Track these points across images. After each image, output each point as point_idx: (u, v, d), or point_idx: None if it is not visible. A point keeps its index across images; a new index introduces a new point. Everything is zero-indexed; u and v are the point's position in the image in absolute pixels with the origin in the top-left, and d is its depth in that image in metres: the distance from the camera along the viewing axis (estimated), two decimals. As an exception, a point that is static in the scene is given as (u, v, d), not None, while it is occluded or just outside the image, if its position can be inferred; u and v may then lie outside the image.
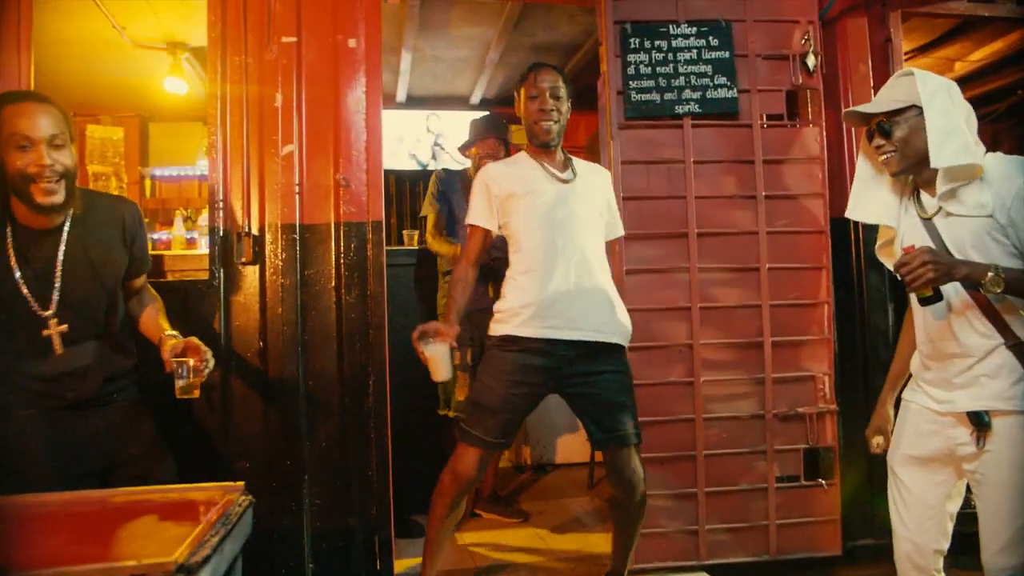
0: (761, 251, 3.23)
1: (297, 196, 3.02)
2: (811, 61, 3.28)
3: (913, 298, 2.02)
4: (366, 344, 3.02)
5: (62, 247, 2.09)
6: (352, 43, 3.09)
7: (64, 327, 2.10)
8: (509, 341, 2.50)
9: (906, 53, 4.17)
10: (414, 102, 6.32)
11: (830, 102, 3.35)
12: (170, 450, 2.42)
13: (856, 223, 3.23)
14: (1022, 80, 5.24)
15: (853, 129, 3.34)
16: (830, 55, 3.45)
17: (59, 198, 1.98)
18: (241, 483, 1.69)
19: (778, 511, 3.20)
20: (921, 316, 2.04)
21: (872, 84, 3.42)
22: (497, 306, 2.61)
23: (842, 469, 3.23)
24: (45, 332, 2.07)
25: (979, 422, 1.90)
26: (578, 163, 2.72)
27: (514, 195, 2.58)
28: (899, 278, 1.85)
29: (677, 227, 3.22)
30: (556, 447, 4.92)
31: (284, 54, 3.05)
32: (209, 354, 2.15)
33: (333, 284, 3.03)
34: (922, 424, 2.06)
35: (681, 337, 3.19)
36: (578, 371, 2.50)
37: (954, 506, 2.08)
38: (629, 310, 3.11)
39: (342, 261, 3.04)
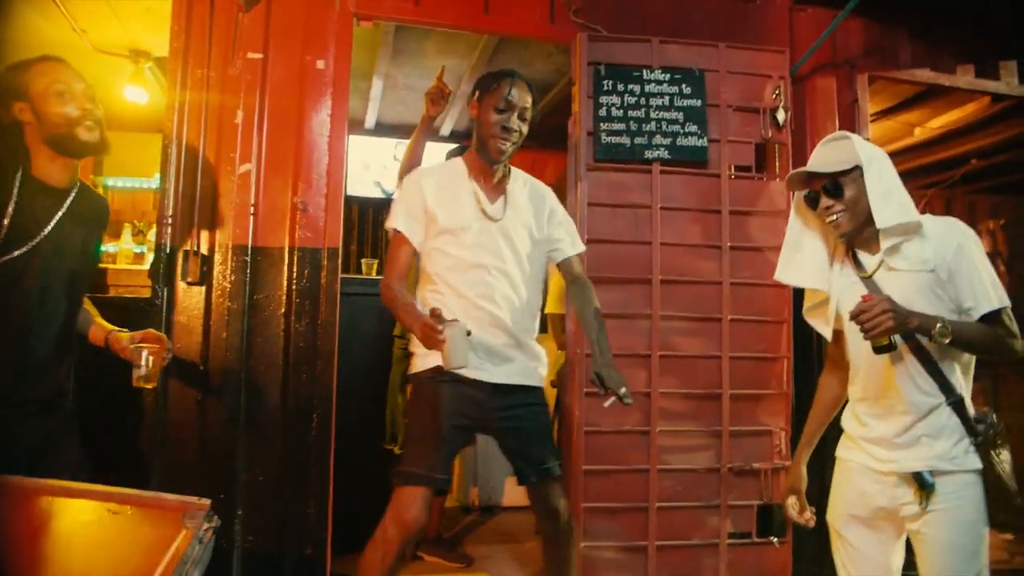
0: (724, 302, 3.21)
1: (251, 217, 2.92)
2: (781, 116, 3.30)
3: (858, 351, 2.03)
4: (313, 375, 2.91)
5: (60, 211, 2.07)
6: (320, 64, 3.02)
7: None
8: (439, 373, 2.29)
9: (870, 115, 4.25)
10: (383, 129, 6.24)
11: (797, 158, 3.36)
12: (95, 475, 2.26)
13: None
14: (976, 149, 5.38)
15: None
16: (799, 112, 3.49)
17: (97, 137, 2.08)
18: (207, 501, 1.47)
19: (729, 568, 3.13)
20: (862, 373, 2.05)
21: (838, 143, 3.45)
22: (416, 343, 2.37)
23: (794, 527, 3.17)
24: None
25: (923, 482, 1.90)
26: (515, 183, 2.50)
27: (438, 221, 2.35)
28: (859, 327, 1.83)
29: (641, 273, 3.18)
30: (505, 488, 4.80)
31: (249, 70, 2.97)
32: (169, 344, 2.17)
33: (283, 311, 2.92)
34: (864, 484, 2.03)
35: (639, 385, 3.13)
36: (507, 403, 2.38)
37: (898, 561, 2.06)
38: (587, 354, 3.07)
39: (294, 287, 2.93)
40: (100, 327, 2.25)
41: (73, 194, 2.11)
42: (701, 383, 3.19)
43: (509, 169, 2.51)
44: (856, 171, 1.98)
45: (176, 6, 2.95)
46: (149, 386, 2.13)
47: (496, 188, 2.46)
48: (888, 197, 1.95)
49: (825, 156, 2.04)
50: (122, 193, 6.22)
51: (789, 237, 2.21)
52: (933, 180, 6.04)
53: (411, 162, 3.43)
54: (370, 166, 6.53)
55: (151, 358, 2.09)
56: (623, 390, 2.17)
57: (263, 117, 2.97)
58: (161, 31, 3.15)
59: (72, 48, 4.35)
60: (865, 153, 1.99)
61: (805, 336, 3.30)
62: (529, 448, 2.40)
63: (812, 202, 2.08)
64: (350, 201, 3.27)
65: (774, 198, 3.32)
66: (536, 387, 2.46)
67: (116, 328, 2.22)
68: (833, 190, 2.00)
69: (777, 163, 3.37)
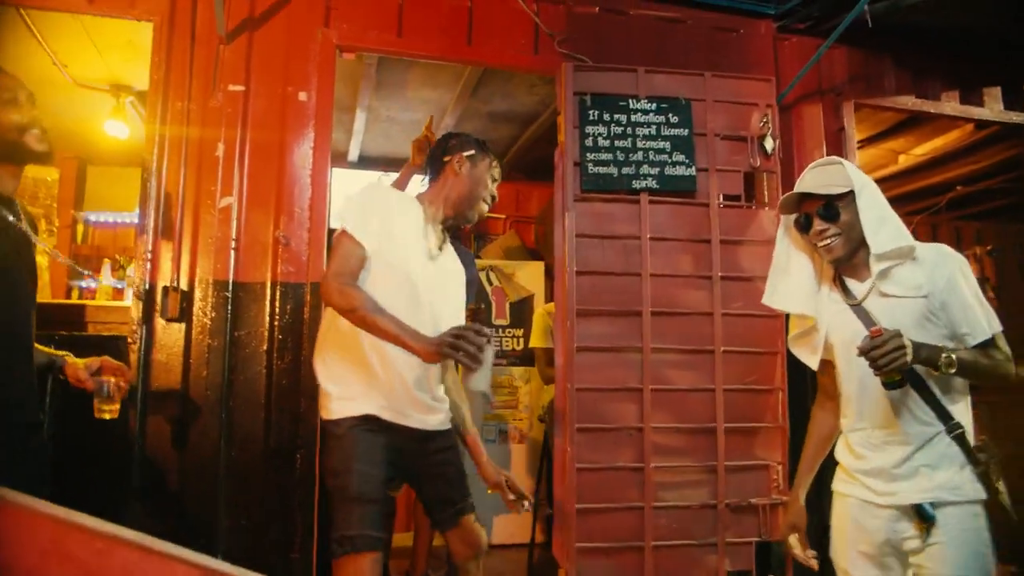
0: (716, 333, 3.15)
1: (232, 252, 2.87)
2: (769, 144, 3.28)
3: (849, 380, 2.00)
4: (297, 414, 2.83)
5: (23, 216, 2.02)
6: (303, 96, 2.98)
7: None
8: (369, 420, 2.17)
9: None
10: (366, 162, 6.20)
11: (786, 186, 3.34)
12: None
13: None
14: (961, 176, 5.41)
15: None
16: (786, 140, 3.48)
17: (46, 146, 2.02)
18: None
19: (728, 608, 3.04)
20: (854, 402, 2.00)
21: (826, 171, 3.45)
22: (334, 383, 2.23)
23: (795, 564, 3.09)
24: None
25: (924, 515, 1.84)
26: (449, 248, 2.45)
27: (386, 252, 2.20)
28: (870, 363, 1.77)
29: (631, 305, 3.13)
30: (494, 526, 4.69)
31: (230, 102, 2.92)
32: (128, 372, 2.10)
33: (265, 348, 2.85)
34: (866, 519, 1.97)
35: (631, 420, 3.06)
36: (432, 449, 2.31)
37: None
38: (578, 389, 3.01)
39: (276, 323, 2.85)
40: (44, 353, 2.12)
41: (13, 204, 2.02)
42: (695, 417, 3.11)
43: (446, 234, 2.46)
44: (850, 195, 1.95)
45: (156, 38, 2.92)
46: (110, 416, 2.04)
47: (436, 243, 2.38)
48: (883, 222, 1.93)
49: (818, 179, 2.01)
50: (103, 229, 6.14)
51: (776, 261, 2.18)
52: (918, 207, 6.07)
53: None
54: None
55: (112, 389, 2.02)
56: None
57: (244, 150, 2.92)
58: (142, 64, 3.12)
59: (53, 82, 4.32)
60: (857, 178, 1.97)
61: (799, 367, 3.22)
62: (452, 491, 2.34)
63: (803, 226, 2.04)
64: (333, 235, 3.21)
65: (764, 227, 3.28)
66: (450, 429, 2.40)
67: (64, 353, 2.11)
68: (827, 214, 1.96)
69: (766, 191, 3.34)
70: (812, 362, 2.13)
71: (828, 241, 1.97)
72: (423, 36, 3.20)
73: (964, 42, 3.78)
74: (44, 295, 4.49)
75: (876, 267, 1.93)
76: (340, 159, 5.75)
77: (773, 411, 3.18)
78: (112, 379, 2.02)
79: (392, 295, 2.13)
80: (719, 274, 3.20)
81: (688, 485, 3.07)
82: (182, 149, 2.89)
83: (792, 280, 2.13)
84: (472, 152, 2.41)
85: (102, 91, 4.51)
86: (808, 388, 3.26)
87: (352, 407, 2.17)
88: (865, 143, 4.92)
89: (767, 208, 3.31)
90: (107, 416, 2.02)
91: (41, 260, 4.26)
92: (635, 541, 2.99)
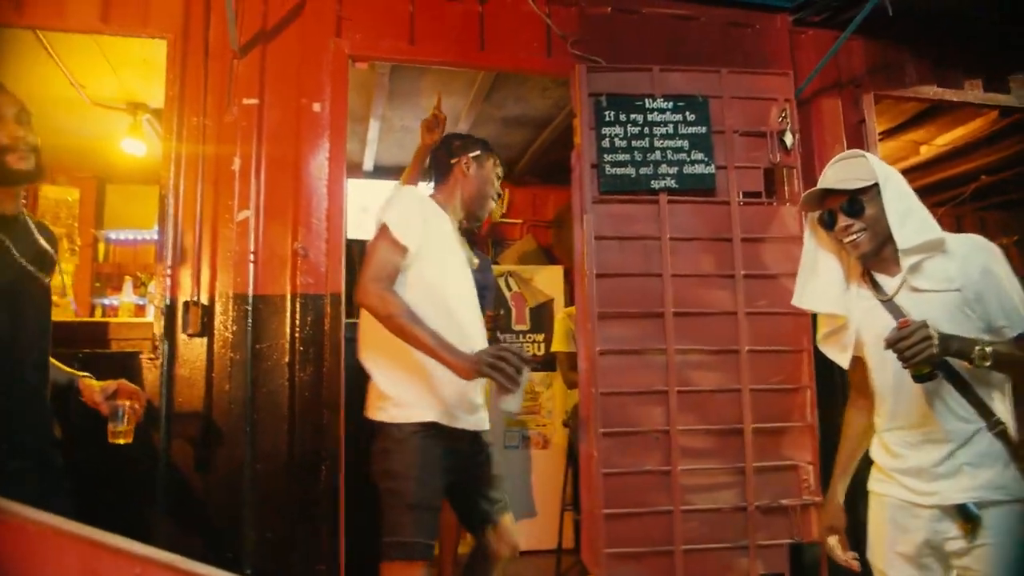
0: (740, 332, 3.11)
1: (251, 265, 2.87)
2: (789, 139, 3.23)
3: (883, 377, 1.96)
4: (320, 426, 2.82)
5: (32, 226, 2.01)
6: (317, 107, 2.98)
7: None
8: (431, 427, 2.18)
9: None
10: (381, 172, 6.20)
11: (807, 181, 3.29)
12: None
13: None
14: (985, 166, 5.31)
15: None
16: (805, 135, 3.43)
17: (31, 165, 1.98)
18: None
19: (761, 612, 2.98)
20: (889, 400, 1.95)
21: (847, 165, 3.40)
22: (392, 384, 2.22)
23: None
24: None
25: (968, 515, 1.79)
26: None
27: (433, 260, 2.25)
28: (897, 355, 1.72)
29: (653, 306, 3.09)
30: (520, 532, 4.64)
31: (244, 116, 2.93)
32: (144, 396, 2.08)
33: (287, 360, 2.84)
34: (904, 519, 1.92)
35: (657, 423, 3.02)
36: (478, 449, 2.38)
37: None
38: (602, 393, 2.96)
39: (297, 335, 2.85)
40: (60, 370, 2.13)
41: (18, 223, 2.02)
42: (721, 418, 3.07)
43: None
44: (874, 189, 1.91)
45: (170, 55, 2.93)
46: (124, 441, 2.02)
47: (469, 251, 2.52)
48: (909, 215, 1.88)
49: (840, 173, 1.96)
50: (123, 246, 6.19)
51: (804, 261, 2.14)
52: (942, 198, 5.97)
53: None
54: (370, 209, 6.46)
55: (127, 412, 2.00)
56: None
57: (260, 163, 2.92)
58: (157, 82, 3.14)
59: (71, 102, 4.36)
60: (882, 171, 1.92)
61: (827, 365, 3.16)
62: (492, 488, 2.39)
63: (827, 222, 2.00)
64: (351, 245, 3.21)
65: (786, 223, 3.23)
66: (488, 429, 2.46)
67: (84, 374, 2.11)
68: (851, 209, 1.92)
69: (787, 187, 3.29)
70: (843, 360, 2.09)
71: (854, 237, 1.93)
72: (435, 43, 3.19)
73: (986, 28, 3.70)
74: (68, 314, 4.53)
75: (905, 261, 1.89)
76: (355, 169, 5.75)
77: (801, 410, 3.12)
78: (127, 403, 2.01)
79: (425, 302, 2.15)
80: (742, 272, 3.15)
81: (717, 487, 3.02)
82: (199, 164, 2.89)
83: (820, 279, 2.09)
84: (478, 152, 2.53)
85: (118, 110, 4.55)
86: (837, 386, 3.19)
87: (415, 414, 2.18)
88: (886, 135, 4.84)
89: (788, 204, 3.27)
90: (121, 441, 2.00)
91: (60, 281, 4.30)
92: (665, 545, 2.95)
